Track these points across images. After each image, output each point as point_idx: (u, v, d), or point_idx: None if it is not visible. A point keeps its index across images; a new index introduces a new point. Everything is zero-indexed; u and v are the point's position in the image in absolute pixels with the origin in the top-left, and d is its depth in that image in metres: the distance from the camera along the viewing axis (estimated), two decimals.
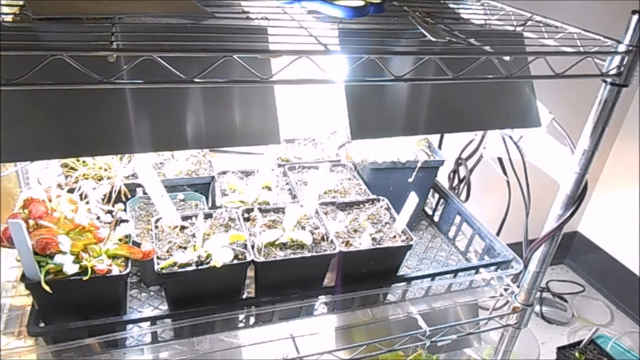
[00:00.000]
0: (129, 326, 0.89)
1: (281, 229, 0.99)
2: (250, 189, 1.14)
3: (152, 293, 1.04)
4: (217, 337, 0.96)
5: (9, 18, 0.75)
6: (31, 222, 0.84)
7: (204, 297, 0.91)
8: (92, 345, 0.86)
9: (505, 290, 1.15)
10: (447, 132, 1.27)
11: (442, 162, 1.27)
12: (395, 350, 1.06)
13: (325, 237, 0.99)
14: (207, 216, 1.01)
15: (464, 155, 1.38)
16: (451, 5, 1.11)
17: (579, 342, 1.97)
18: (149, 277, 1.05)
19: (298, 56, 0.63)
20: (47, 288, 0.79)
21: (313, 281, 1.00)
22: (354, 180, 1.26)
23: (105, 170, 1.09)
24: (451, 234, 1.31)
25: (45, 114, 0.70)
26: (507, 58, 0.75)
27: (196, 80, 0.61)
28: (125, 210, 1.00)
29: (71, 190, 0.96)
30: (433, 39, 0.79)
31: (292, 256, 0.94)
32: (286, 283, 0.97)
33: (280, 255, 0.94)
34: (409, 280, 1.07)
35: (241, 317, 0.98)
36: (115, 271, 0.84)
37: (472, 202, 1.37)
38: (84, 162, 1.10)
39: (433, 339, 1.05)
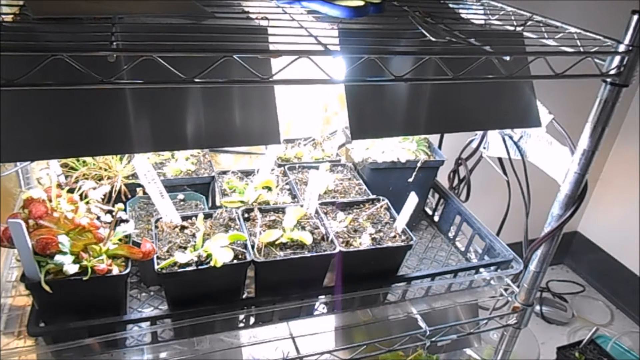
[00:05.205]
0: (129, 326, 0.89)
1: (281, 229, 0.99)
2: (250, 189, 1.14)
3: (152, 293, 1.04)
4: (217, 337, 0.96)
5: (9, 18, 0.75)
6: (31, 222, 0.84)
7: (204, 297, 0.91)
8: (92, 345, 0.86)
9: (505, 290, 1.15)
10: (447, 132, 1.26)
11: (442, 162, 1.27)
12: (395, 350, 1.06)
13: (325, 237, 0.99)
14: (207, 216, 1.01)
15: (464, 155, 1.38)
16: (451, 5, 1.11)
17: (579, 342, 1.97)
18: (149, 277, 1.05)
19: (298, 56, 0.63)
20: (47, 288, 0.79)
21: (313, 281, 1.00)
22: (354, 180, 1.26)
23: (105, 170, 1.09)
24: (451, 234, 1.31)
25: (45, 114, 0.70)
26: (507, 58, 0.75)
27: (196, 80, 0.61)
28: (125, 210, 1.00)
29: (71, 190, 0.97)
30: (433, 39, 0.79)
31: (292, 256, 0.94)
32: (286, 283, 0.97)
33: (280, 255, 0.94)
34: (409, 280, 1.07)
35: (241, 317, 0.98)
36: (115, 271, 0.84)
37: (472, 202, 1.36)
38: (84, 162, 1.10)
39: (433, 339, 1.05)
